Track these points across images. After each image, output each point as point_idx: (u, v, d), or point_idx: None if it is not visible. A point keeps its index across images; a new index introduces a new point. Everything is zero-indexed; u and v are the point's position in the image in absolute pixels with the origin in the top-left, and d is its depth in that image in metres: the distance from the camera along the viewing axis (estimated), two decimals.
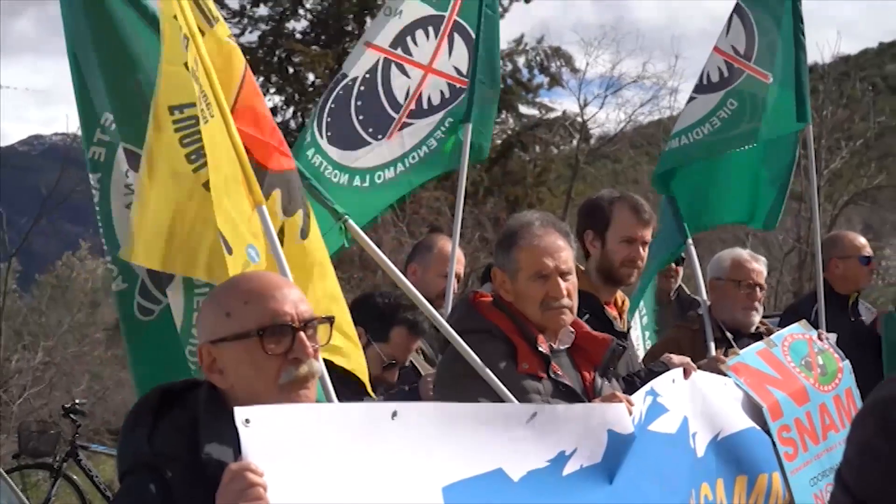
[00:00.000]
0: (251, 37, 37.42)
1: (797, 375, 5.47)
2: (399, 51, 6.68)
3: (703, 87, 7.48)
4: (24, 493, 10.94)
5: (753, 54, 7.37)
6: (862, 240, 7.66)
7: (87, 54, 4.36)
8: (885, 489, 2.09)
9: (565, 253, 4.45)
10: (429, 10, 6.79)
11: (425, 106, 6.85)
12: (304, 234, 4.17)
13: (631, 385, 4.66)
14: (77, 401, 14.10)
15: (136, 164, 4.05)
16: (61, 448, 12.47)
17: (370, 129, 6.60)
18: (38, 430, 12.94)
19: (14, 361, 18.51)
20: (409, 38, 6.75)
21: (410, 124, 6.82)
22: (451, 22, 6.93)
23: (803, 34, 7.44)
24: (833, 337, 6.13)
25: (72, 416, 12.80)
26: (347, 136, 6.52)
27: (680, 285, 8.19)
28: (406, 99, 6.74)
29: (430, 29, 6.86)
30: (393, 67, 6.69)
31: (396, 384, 5.86)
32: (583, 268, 5.29)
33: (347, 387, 4.32)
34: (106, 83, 4.30)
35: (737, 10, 7.41)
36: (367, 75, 6.61)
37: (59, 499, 12.35)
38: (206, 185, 3.74)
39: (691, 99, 7.54)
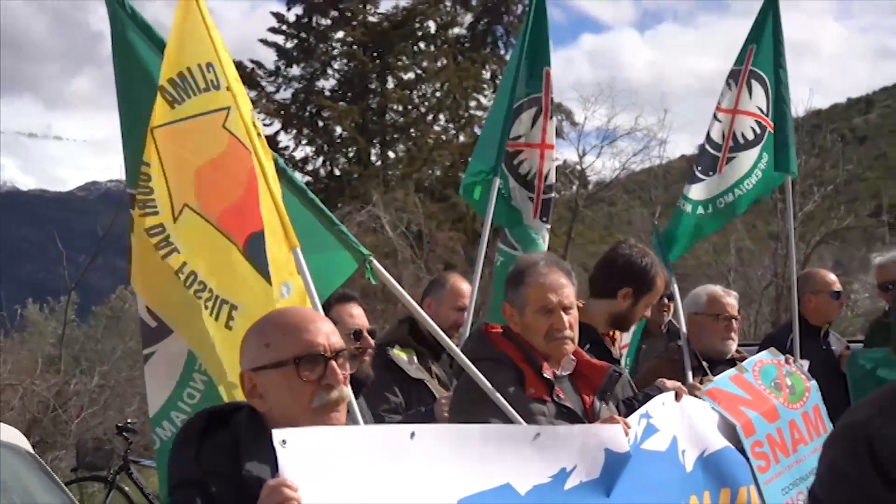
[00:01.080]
0: (285, 94, 37.85)
1: (767, 396, 5.48)
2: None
3: (739, 146, 7.45)
4: (81, 502, 10.94)
5: (768, 111, 7.48)
6: (832, 277, 7.67)
7: (127, 106, 4.38)
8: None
9: (567, 289, 4.48)
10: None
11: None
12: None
13: (630, 408, 4.68)
14: (129, 420, 14.08)
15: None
16: (114, 462, 12.45)
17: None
18: (94, 447, 12.93)
19: (73, 384, 18.50)
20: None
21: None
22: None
23: (787, 91, 7.54)
24: (805, 363, 6.14)
25: (124, 433, 12.79)
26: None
27: (671, 320, 8.19)
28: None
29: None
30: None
31: (414, 406, 5.87)
32: (582, 303, 5.30)
33: None
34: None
35: (752, 74, 7.46)
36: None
37: None
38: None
39: (730, 159, 7.44)
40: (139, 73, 4.33)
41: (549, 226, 7.25)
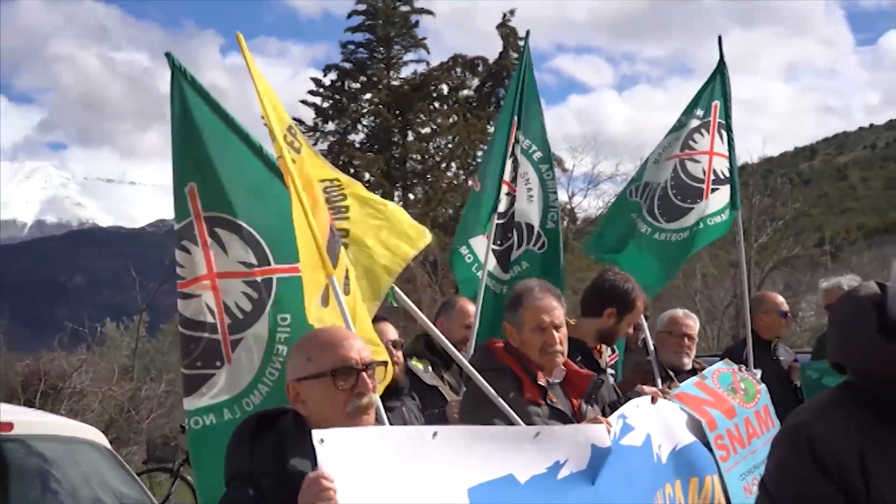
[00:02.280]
0: (322, 146, 38.01)
1: (726, 397, 5.48)
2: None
3: (720, 181, 7.41)
4: (151, 490, 10.93)
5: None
6: (780, 298, 7.66)
7: (184, 148, 4.32)
8: (796, 496, 2.10)
9: (558, 311, 4.49)
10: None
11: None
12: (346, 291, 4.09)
13: (614, 410, 4.67)
14: None
15: (220, 225, 4.16)
16: (179, 456, 12.44)
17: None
18: (162, 442, 12.96)
19: (144, 390, 18.52)
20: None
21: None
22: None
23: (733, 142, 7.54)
24: (759, 372, 6.13)
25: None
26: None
27: (645, 336, 8.17)
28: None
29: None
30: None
31: (429, 408, 5.87)
32: (574, 321, 5.31)
33: None
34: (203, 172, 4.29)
35: (720, 125, 7.44)
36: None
37: (177, 495, 12.30)
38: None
39: (714, 189, 7.37)
40: (194, 127, 4.26)
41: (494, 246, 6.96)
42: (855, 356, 2.19)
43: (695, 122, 7.51)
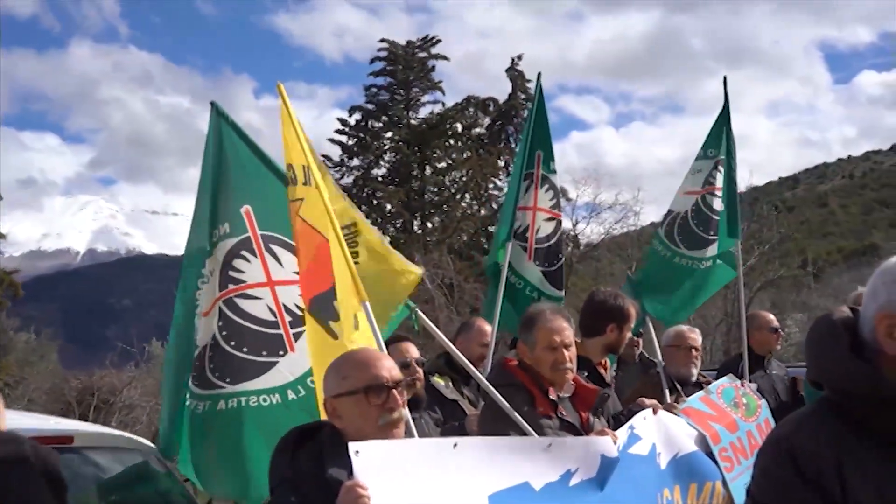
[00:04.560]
0: (348, 180, 38.14)
1: (729, 412, 5.43)
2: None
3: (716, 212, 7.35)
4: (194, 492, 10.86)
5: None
6: (771, 316, 7.60)
7: (229, 176, 4.55)
8: (779, 501, 2.11)
9: (568, 331, 4.48)
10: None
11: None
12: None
13: (618, 421, 4.66)
14: None
15: (274, 243, 4.44)
16: None
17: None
18: None
19: None
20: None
21: None
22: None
23: (735, 178, 7.44)
24: (754, 385, 6.09)
25: None
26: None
27: (641, 351, 8.13)
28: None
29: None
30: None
31: (449, 421, 5.86)
32: (579, 340, 5.30)
33: None
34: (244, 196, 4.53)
35: (718, 162, 7.34)
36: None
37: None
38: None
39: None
40: (238, 160, 4.54)
41: (541, 268, 6.99)
42: (830, 374, 2.21)
43: (712, 159, 7.42)
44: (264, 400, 4.33)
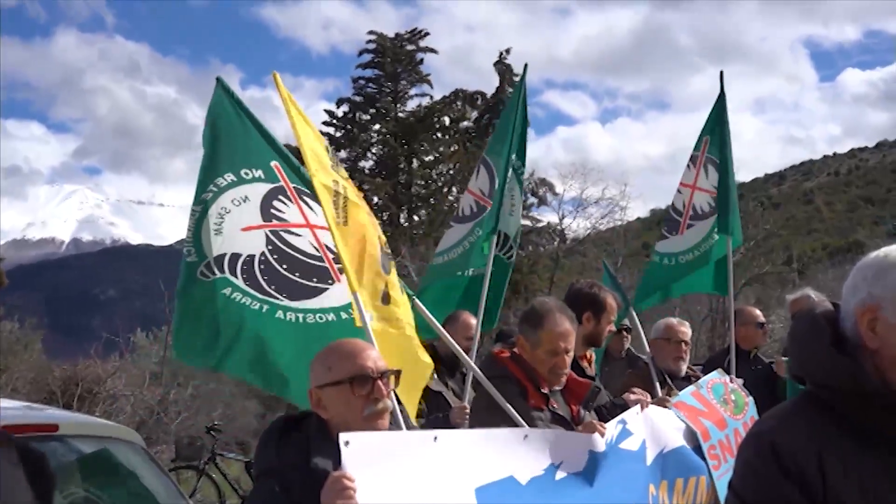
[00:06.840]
0: None
1: (718, 409, 5.41)
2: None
3: (698, 217, 7.22)
4: (178, 485, 10.88)
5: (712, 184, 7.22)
6: (758, 312, 7.56)
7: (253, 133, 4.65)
8: (760, 495, 2.11)
9: (572, 336, 4.41)
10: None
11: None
12: (386, 300, 4.28)
13: (600, 414, 4.63)
14: (215, 422, 14.07)
15: (304, 195, 4.61)
16: (204, 455, 12.38)
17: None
18: (189, 442, 12.88)
19: (172, 394, 18.51)
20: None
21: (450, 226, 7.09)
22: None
23: (732, 172, 7.24)
24: (741, 381, 6.08)
25: (212, 432, 12.75)
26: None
27: (629, 347, 8.12)
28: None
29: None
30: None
31: (433, 412, 5.84)
32: None
33: None
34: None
35: (708, 159, 7.19)
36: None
37: (202, 490, 12.24)
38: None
39: (690, 225, 7.21)
40: (244, 124, 4.62)
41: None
42: (812, 368, 2.22)
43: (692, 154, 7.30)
44: (320, 318, 4.46)
